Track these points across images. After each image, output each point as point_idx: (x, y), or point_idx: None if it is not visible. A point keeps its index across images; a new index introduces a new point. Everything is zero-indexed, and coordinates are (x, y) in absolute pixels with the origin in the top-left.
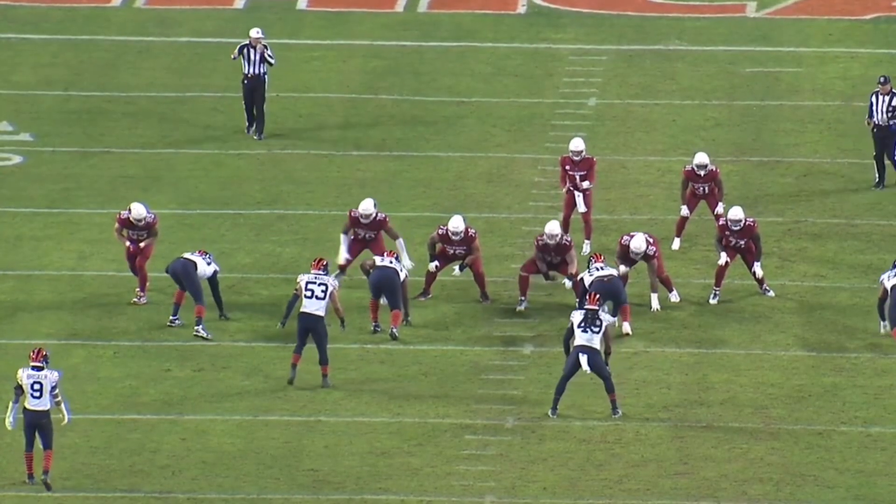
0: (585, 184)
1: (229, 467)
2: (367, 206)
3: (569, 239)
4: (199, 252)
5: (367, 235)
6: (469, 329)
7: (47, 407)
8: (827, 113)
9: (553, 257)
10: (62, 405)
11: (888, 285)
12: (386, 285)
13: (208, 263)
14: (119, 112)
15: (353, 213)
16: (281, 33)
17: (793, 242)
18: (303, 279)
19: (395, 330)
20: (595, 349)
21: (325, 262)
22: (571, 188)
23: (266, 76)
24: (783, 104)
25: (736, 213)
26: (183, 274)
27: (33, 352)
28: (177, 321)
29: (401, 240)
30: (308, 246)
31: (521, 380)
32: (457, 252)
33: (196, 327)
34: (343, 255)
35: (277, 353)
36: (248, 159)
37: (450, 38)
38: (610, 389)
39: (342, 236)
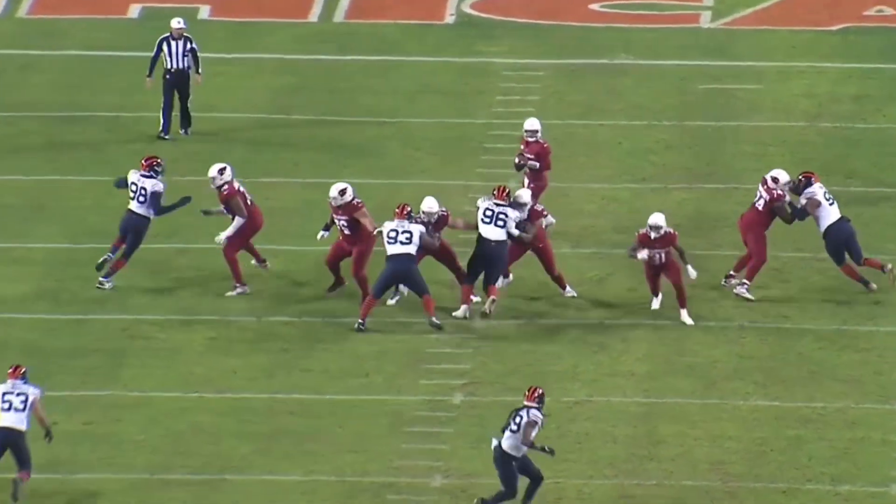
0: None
1: None
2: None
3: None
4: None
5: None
6: (391, 375)
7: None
8: (790, 134)
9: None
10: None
11: None
12: (402, 275)
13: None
14: None
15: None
16: None
17: (753, 278)
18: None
19: (434, 319)
20: (512, 456)
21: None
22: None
23: (190, 70)
24: (741, 125)
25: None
26: (133, 230)
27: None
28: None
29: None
30: (211, 284)
31: (450, 433)
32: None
33: (103, 279)
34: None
35: (176, 404)
36: None
37: (370, 51)
38: (530, 495)
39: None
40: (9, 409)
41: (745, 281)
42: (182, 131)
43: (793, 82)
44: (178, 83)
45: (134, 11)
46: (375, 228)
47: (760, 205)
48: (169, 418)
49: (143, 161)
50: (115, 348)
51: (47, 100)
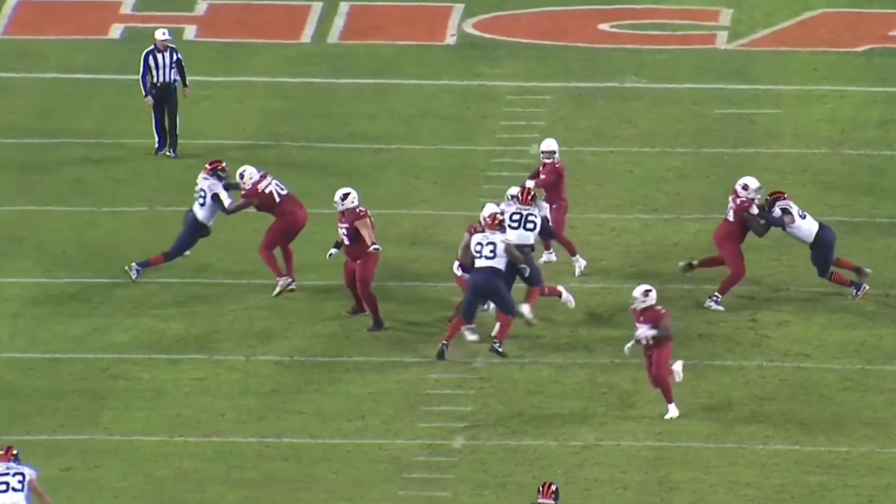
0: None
1: None
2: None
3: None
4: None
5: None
6: (388, 418)
7: None
8: (812, 162)
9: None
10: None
11: None
12: (483, 290)
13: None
14: None
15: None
16: None
17: (772, 315)
18: None
19: (497, 345)
20: None
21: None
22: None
23: (177, 84)
24: (760, 152)
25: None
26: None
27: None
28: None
29: None
30: (197, 322)
31: (450, 479)
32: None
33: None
34: None
35: (159, 449)
36: (125, 218)
37: (366, 73)
38: None
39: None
40: (6, 490)
41: (717, 294)
42: (170, 152)
43: (814, 107)
44: (165, 98)
45: (116, 32)
46: (374, 244)
47: (731, 216)
48: (151, 464)
49: (206, 165)
50: (95, 389)
51: (22, 125)
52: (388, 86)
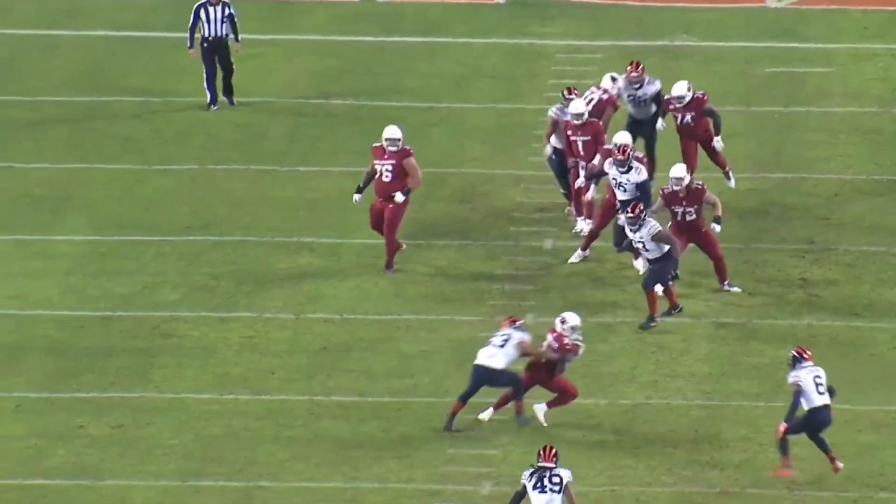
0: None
1: None
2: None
3: (700, 183)
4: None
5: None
6: (439, 376)
7: None
8: (862, 121)
9: (685, 208)
10: None
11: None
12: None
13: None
14: (21, 120)
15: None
16: None
17: (822, 274)
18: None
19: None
20: None
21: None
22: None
23: (229, 38)
24: (810, 110)
25: (678, 170)
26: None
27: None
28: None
29: None
30: (247, 279)
31: (501, 440)
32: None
33: None
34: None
35: (210, 407)
36: (175, 176)
37: (415, 32)
38: None
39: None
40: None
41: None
42: (227, 101)
43: (865, 65)
44: (217, 51)
45: None
46: (409, 188)
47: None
48: (202, 422)
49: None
50: (146, 347)
51: (72, 84)
52: (438, 44)
